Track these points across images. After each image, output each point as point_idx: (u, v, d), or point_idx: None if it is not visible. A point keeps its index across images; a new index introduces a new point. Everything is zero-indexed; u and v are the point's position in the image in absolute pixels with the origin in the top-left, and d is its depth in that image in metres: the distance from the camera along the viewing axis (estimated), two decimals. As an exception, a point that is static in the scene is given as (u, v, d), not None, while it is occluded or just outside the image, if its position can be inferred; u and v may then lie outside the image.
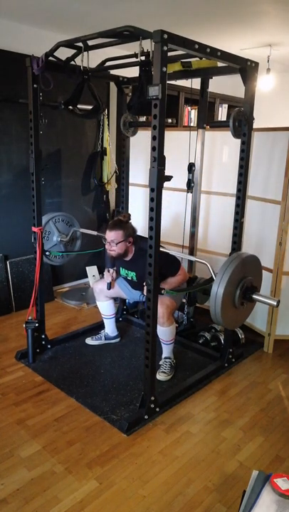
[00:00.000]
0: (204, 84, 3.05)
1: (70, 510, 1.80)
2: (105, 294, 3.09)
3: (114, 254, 2.74)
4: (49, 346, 3.12)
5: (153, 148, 2.02)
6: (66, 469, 2.02)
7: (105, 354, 3.10)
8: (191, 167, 3.08)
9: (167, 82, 1.97)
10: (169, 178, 2.08)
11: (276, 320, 3.17)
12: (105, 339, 3.24)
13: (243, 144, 2.61)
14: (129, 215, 2.85)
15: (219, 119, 5.51)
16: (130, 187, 3.49)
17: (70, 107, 2.77)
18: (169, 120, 4.20)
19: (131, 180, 3.49)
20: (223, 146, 3.44)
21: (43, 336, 3.08)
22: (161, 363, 2.86)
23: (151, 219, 2.12)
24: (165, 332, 2.76)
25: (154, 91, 1.93)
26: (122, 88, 3.25)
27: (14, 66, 3.50)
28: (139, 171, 3.83)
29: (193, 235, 3.39)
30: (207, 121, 3.17)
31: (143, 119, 3.61)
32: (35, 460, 2.07)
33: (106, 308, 3.18)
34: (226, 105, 5.62)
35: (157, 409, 2.44)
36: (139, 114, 3.16)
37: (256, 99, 2.60)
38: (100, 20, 3.40)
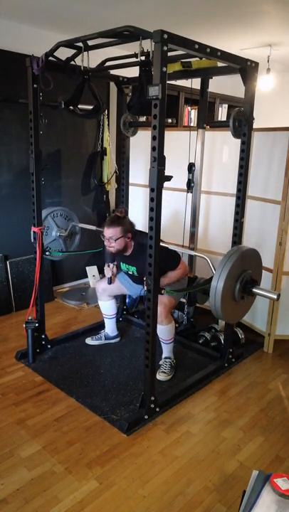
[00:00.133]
0: (204, 84, 3.05)
1: (70, 510, 1.80)
2: (108, 292, 3.09)
3: (114, 250, 2.73)
4: (49, 346, 3.12)
5: (153, 148, 2.02)
6: (66, 469, 2.02)
7: (105, 354, 3.10)
8: (191, 167, 3.08)
9: (167, 82, 1.97)
10: (169, 178, 2.08)
11: (276, 320, 3.17)
12: (105, 339, 3.24)
13: (243, 144, 2.61)
14: (126, 209, 2.83)
15: (219, 119, 5.50)
16: (130, 187, 3.49)
17: (71, 107, 2.77)
18: (169, 120, 4.18)
19: (131, 180, 3.49)
20: (223, 146, 3.44)
21: (43, 336, 3.08)
22: (161, 362, 2.86)
23: (151, 219, 2.12)
24: (164, 330, 2.76)
25: (154, 91, 1.93)
26: (122, 88, 3.25)
27: (14, 66, 3.50)
28: (139, 171, 3.83)
29: (193, 235, 3.39)
30: (207, 121, 3.17)
31: (143, 119, 3.60)
32: (35, 460, 2.07)
33: (108, 307, 3.18)
34: (226, 105, 5.61)
35: (157, 409, 2.44)
36: (139, 114, 3.16)
37: (256, 99, 2.60)
38: (100, 20, 3.40)
